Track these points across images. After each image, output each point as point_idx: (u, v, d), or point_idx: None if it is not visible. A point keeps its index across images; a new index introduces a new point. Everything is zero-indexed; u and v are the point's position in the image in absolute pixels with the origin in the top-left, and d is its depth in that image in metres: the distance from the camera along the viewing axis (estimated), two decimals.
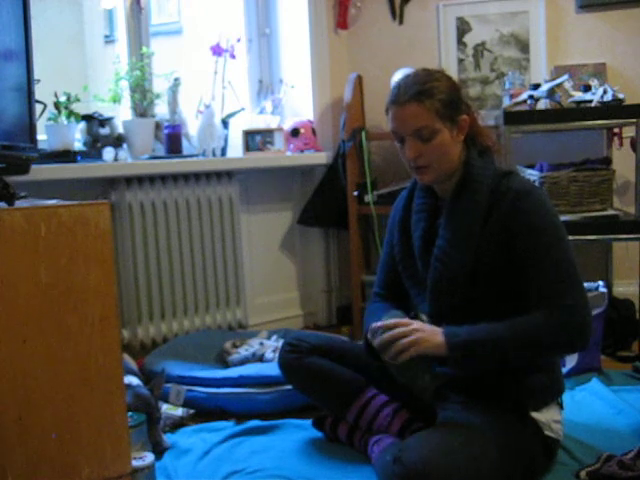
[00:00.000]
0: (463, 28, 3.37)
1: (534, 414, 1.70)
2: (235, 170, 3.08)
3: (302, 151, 3.28)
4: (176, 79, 2.97)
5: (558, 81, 2.91)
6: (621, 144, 3.10)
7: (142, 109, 2.92)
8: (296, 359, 1.98)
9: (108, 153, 2.73)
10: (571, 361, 2.42)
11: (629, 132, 3.02)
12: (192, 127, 3.06)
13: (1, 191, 1.43)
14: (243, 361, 2.52)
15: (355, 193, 3.15)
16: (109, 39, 3.12)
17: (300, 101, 3.40)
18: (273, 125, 3.23)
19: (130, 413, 1.81)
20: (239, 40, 3.14)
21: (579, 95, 2.89)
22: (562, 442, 1.80)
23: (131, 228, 2.77)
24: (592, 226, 2.77)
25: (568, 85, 2.92)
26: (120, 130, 2.86)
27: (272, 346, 2.59)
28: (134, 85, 2.89)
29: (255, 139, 3.17)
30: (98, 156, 2.71)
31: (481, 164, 1.75)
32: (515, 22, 3.31)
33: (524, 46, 3.32)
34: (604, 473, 1.68)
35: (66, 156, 2.60)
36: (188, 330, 2.92)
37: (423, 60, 3.34)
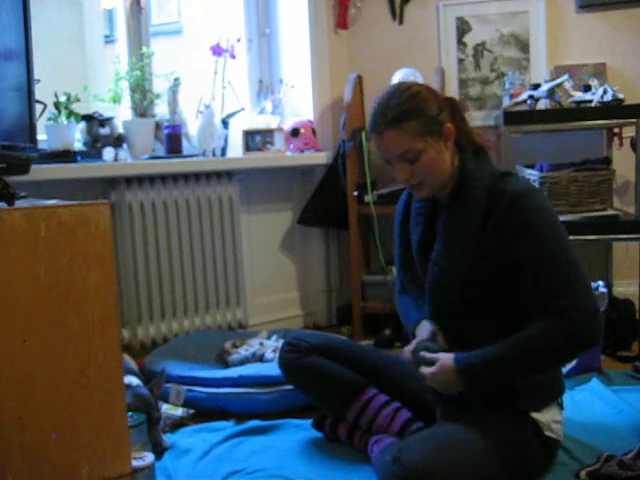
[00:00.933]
0: (463, 28, 3.37)
1: (534, 414, 1.70)
2: (235, 170, 3.08)
3: (302, 151, 3.28)
4: (176, 79, 2.97)
5: (558, 81, 2.91)
6: (621, 144, 3.10)
7: (142, 109, 2.92)
8: (296, 359, 1.98)
9: (108, 153, 2.73)
10: (568, 364, 2.42)
11: (629, 132, 3.02)
12: (192, 127, 3.06)
13: (1, 191, 1.43)
14: (243, 361, 2.52)
15: (355, 193, 3.15)
16: (109, 39, 3.12)
17: (300, 101, 3.40)
18: (273, 125, 3.23)
19: (130, 413, 1.81)
20: (239, 40, 3.14)
21: (579, 95, 2.89)
22: (562, 442, 1.79)
23: (131, 228, 2.77)
24: (592, 226, 2.77)
25: (568, 85, 2.92)
26: (120, 130, 2.86)
27: (272, 346, 2.59)
28: (134, 85, 2.89)
29: (255, 139, 3.17)
30: (98, 156, 2.71)
31: (477, 166, 1.73)
32: (515, 22, 3.31)
33: (524, 46, 3.32)
34: (604, 473, 1.68)
35: (66, 156, 2.60)
36: (188, 330, 2.92)
37: (423, 60, 3.35)
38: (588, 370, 2.44)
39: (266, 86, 3.42)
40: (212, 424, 2.19)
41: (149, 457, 1.72)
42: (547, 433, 1.70)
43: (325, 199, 3.29)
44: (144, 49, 2.97)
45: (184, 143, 2.98)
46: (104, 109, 2.83)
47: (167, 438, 2.03)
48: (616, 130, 3.11)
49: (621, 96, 2.81)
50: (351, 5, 3.44)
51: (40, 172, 2.36)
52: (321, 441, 2.04)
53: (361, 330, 3.18)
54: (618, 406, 2.13)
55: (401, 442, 1.69)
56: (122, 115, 2.93)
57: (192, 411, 2.28)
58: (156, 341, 2.84)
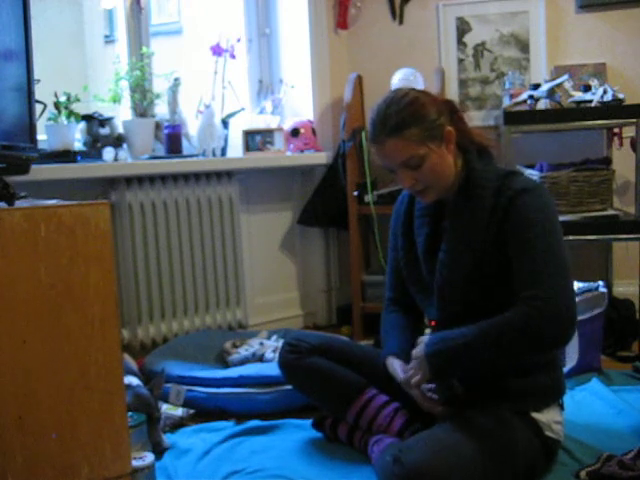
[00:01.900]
0: (463, 28, 3.37)
1: (535, 415, 1.70)
2: (235, 170, 3.08)
3: (302, 151, 3.28)
4: (176, 79, 2.97)
5: (558, 81, 2.91)
6: (621, 144, 3.10)
7: (142, 109, 2.92)
8: (296, 359, 1.97)
9: (108, 153, 2.73)
10: (571, 361, 2.42)
11: (629, 132, 3.02)
12: (192, 127, 3.06)
13: (1, 191, 1.43)
14: (243, 361, 2.52)
15: (355, 193, 3.15)
16: (109, 39, 3.12)
17: (300, 101, 3.40)
18: (273, 125, 3.23)
19: (130, 413, 1.81)
20: (239, 40, 3.14)
21: (579, 95, 2.89)
22: (562, 442, 1.79)
23: (131, 228, 2.77)
24: (592, 226, 2.77)
25: (568, 85, 2.92)
26: (120, 130, 2.86)
27: (272, 346, 2.59)
28: (134, 85, 2.89)
29: (255, 139, 3.17)
30: (98, 156, 2.71)
31: (482, 166, 1.74)
32: (515, 22, 3.31)
33: (524, 46, 3.32)
34: (604, 473, 1.68)
35: (66, 156, 2.60)
36: (188, 330, 2.92)
37: (423, 60, 3.35)
38: (588, 370, 2.44)
39: (266, 86, 3.42)
40: (212, 424, 2.19)
41: (149, 457, 1.72)
42: (547, 433, 1.71)
43: (325, 199, 3.29)
44: (144, 49, 2.97)
45: (184, 143, 2.98)
46: (104, 109, 2.83)
47: (167, 438, 2.03)
48: (616, 130, 3.11)
49: (621, 96, 2.81)
50: (351, 5, 3.44)
51: (40, 172, 2.36)
52: (321, 441, 2.03)
53: (361, 330, 3.18)
54: (618, 406, 2.13)
55: (402, 442, 1.69)
56: (122, 115, 2.93)
57: (192, 411, 2.28)
58: (156, 341, 2.84)
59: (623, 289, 3.11)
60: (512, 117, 2.85)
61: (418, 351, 1.68)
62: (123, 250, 2.77)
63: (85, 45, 3.08)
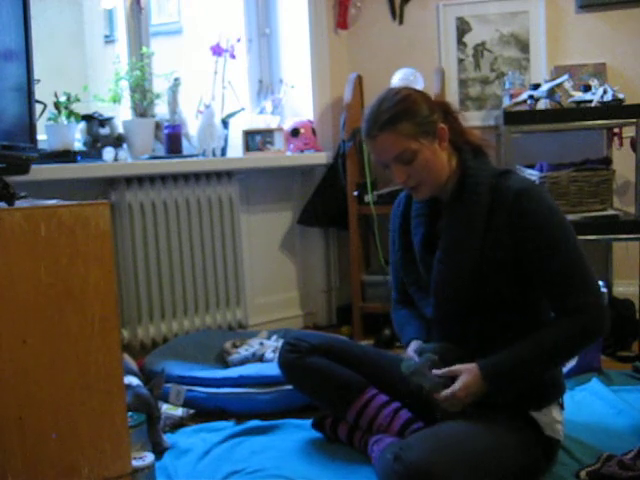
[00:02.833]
0: (463, 28, 3.37)
1: (534, 414, 1.70)
2: (235, 170, 3.08)
3: (302, 151, 3.28)
4: (176, 79, 2.97)
5: (558, 81, 2.91)
6: (621, 144, 3.10)
7: (142, 109, 2.92)
8: (296, 359, 1.97)
9: (108, 153, 2.73)
10: (571, 361, 2.42)
11: (629, 132, 3.02)
12: (192, 127, 3.06)
13: (1, 191, 1.43)
14: (243, 361, 2.53)
15: (355, 193, 3.15)
16: (109, 39, 3.12)
17: (300, 101, 3.40)
18: (273, 125, 3.23)
19: (130, 413, 1.81)
20: (239, 40, 3.14)
21: (579, 95, 2.89)
22: (562, 442, 1.79)
23: (131, 228, 2.77)
24: (592, 226, 2.77)
25: (568, 85, 2.92)
26: (120, 130, 2.86)
27: (272, 346, 2.59)
28: (134, 85, 2.89)
29: (255, 139, 3.17)
30: (98, 156, 2.71)
31: (477, 165, 1.74)
32: (515, 22, 3.31)
33: (524, 46, 3.32)
34: (604, 473, 1.68)
35: (66, 156, 2.60)
36: (188, 330, 2.92)
37: (423, 60, 3.35)
38: (588, 370, 2.44)
39: (266, 86, 3.42)
40: (212, 424, 2.19)
41: (149, 457, 1.72)
42: (548, 433, 1.71)
43: (325, 199, 3.29)
44: (144, 49, 2.97)
45: (184, 143, 2.98)
46: (104, 109, 2.83)
47: (167, 438, 2.03)
48: (616, 130, 3.11)
49: (621, 96, 2.81)
50: (351, 5, 3.44)
51: (40, 172, 2.36)
52: (321, 441, 2.03)
53: (361, 330, 3.18)
54: (618, 406, 2.13)
55: (402, 441, 1.69)
56: (122, 115, 2.93)
57: (192, 411, 2.28)
58: (156, 341, 2.84)
59: (623, 289, 3.11)
60: (512, 117, 2.85)
61: (469, 369, 1.66)
62: (123, 250, 2.76)
63: (85, 45, 3.08)
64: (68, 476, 1.37)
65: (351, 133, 3.14)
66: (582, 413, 2.11)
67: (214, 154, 3.03)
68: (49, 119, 2.61)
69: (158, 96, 2.97)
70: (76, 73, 2.99)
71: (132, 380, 2.04)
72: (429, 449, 1.52)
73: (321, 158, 3.31)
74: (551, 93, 2.89)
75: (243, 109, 3.19)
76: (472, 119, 3.24)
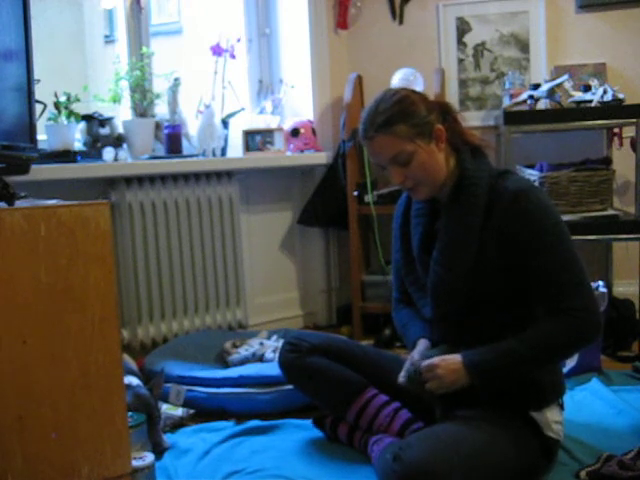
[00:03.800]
0: (463, 28, 3.37)
1: (534, 414, 1.70)
2: (235, 170, 3.08)
3: (302, 151, 3.28)
4: (176, 79, 2.97)
5: (558, 81, 2.91)
6: (621, 144, 3.10)
7: (142, 109, 2.92)
8: (296, 359, 1.98)
9: (108, 153, 2.73)
10: (571, 361, 2.42)
11: (629, 132, 3.02)
12: (192, 127, 3.06)
13: (1, 191, 1.43)
14: (243, 361, 2.52)
15: (355, 193, 3.15)
16: (109, 39, 3.12)
17: (300, 101, 3.40)
18: (273, 125, 3.23)
19: (130, 413, 1.81)
20: (239, 40, 3.14)
21: (579, 95, 2.89)
22: (562, 442, 1.79)
23: (131, 228, 2.77)
24: (592, 226, 2.77)
25: (568, 85, 2.92)
26: (120, 130, 2.86)
27: (272, 346, 2.59)
28: (134, 85, 2.89)
29: (255, 139, 3.17)
30: (98, 156, 2.71)
31: (475, 165, 1.74)
32: (515, 22, 3.31)
33: (524, 46, 3.32)
34: (604, 473, 1.68)
35: (66, 156, 2.60)
36: (188, 330, 2.92)
37: (423, 60, 3.35)
38: (588, 370, 2.44)
39: (266, 86, 3.42)
40: (212, 424, 2.19)
41: (149, 457, 1.72)
42: (547, 433, 1.71)
43: (325, 199, 3.29)
44: (144, 49, 2.97)
45: (184, 143, 2.98)
46: (104, 109, 2.83)
47: (167, 438, 2.03)
48: (616, 130, 3.11)
49: (621, 96, 2.82)
50: (351, 5, 3.44)
51: (40, 172, 2.37)
52: (321, 441, 2.03)
53: (361, 330, 3.18)
54: (618, 406, 2.13)
55: (402, 441, 1.69)
56: (122, 115, 2.93)
57: (192, 411, 2.28)
58: (156, 341, 2.84)
59: (623, 289, 3.11)
60: (512, 117, 2.85)
61: (454, 359, 1.67)
62: (123, 250, 2.76)
63: (85, 45, 3.08)
64: (68, 476, 1.37)
65: (351, 133, 3.14)
66: (582, 413, 2.11)
67: (214, 154, 3.03)
68: (49, 119, 2.61)
69: (158, 96, 2.97)
70: (76, 73, 2.99)
71: (132, 380, 2.04)
72: (428, 449, 1.52)
73: (321, 158, 3.31)
74: (551, 93, 2.89)
75: (243, 109, 3.19)
76: (472, 119, 3.24)
